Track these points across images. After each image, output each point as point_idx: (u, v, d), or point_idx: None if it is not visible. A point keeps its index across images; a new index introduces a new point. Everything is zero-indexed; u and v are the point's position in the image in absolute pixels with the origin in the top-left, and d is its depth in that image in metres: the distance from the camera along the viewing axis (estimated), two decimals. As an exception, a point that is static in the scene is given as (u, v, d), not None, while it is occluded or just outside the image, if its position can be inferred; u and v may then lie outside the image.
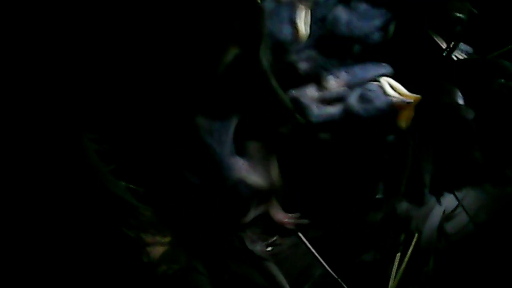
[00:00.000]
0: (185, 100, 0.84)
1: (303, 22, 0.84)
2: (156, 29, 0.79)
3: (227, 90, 0.81)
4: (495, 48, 0.94)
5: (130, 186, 0.84)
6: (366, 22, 0.87)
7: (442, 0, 0.92)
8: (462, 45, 0.95)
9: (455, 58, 0.94)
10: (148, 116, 0.85)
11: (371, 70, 0.88)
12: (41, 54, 0.78)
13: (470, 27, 0.92)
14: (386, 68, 0.88)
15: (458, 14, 0.91)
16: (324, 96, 0.87)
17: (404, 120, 0.82)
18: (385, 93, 0.82)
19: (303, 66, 0.88)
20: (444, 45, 0.93)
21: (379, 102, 0.82)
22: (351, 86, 0.86)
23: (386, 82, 0.84)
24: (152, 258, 0.82)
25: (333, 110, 0.86)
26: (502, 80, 0.91)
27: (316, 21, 0.88)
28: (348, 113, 0.84)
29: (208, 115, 0.84)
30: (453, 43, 0.93)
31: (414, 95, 0.81)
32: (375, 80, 0.86)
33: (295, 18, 0.84)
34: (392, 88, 0.83)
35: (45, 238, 0.79)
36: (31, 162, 0.78)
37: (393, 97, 0.82)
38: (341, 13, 0.88)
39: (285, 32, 0.84)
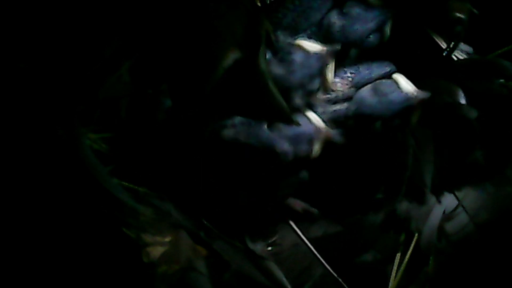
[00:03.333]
0: (185, 102, 0.84)
1: (330, 74, 0.85)
2: (156, 32, 0.80)
3: (226, 93, 0.81)
4: (495, 48, 0.94)
5: (130, 186, 0.84)
6: (360, 25, 0.87)
7: (442, 0, 0.91)
8: (462, 45, 0.95)
9: (455, 58, 0.94)
10: (149, 117, 0.86)
11: (377, 69, 0.88)
12: (39, 52, 0.78)
13: (470, 27, 0.92)
14: (391, 67, 0.88)
15: (458, 14, 0.91)
16: (330, 98, 0.87)
17: (416, 116, 0.83)
18: (400, 88, 0.83)
19: None
20: (444, 45, 0.93)
21: (395, 96, 0.82)
22: (358, 86, 0.86)
23: (400, 78, 0.84)
24: (152, 258, 0.83)
25: (339, 107, 0.86)
26: (502, 80, 0.91)
27: (310, 26, 0.89)
28: (360, 106, 0.84)
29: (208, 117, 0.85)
30: (453, 43, 0.92)
31: (425, 92, 0.82)
32: (383, 78, 0.86)
33: (324, 70, 0.84)
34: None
35: (45, 238, 0.79)
36: (28, 162, 0.78)
37: (409, 92, 0.82)
38: (335, 18, 0.88)
39: (315, 82, 0.84)
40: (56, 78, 0.79)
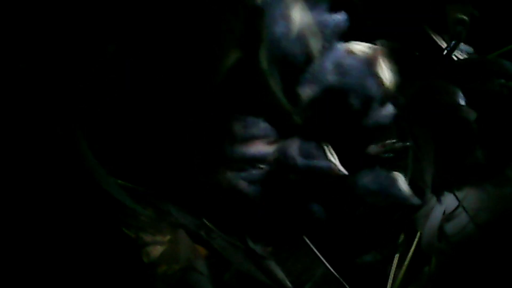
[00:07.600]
0: (188, 102, 0.84)
1: (385, 73, 0.84)
2: (158, 33, 0.80)
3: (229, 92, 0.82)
4: (495, 48, 0.94)
5: (130, 186, 0.84)
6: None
7: (442, 1, 0.92)
8: (462, 45, 0.95)
9: (455, 58, 0.94)
10: (152, 118, 0.86)
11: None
12: (39, 52, 0.79)
13: (470, 27, 0.92)
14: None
15: (459, 16, 0.91)
16: None
17: None
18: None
19: None
20: (444, 45, 0.93)
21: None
22: None
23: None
24: (152, 258, 0.83)
25: None
26: (502, 80, 0.91)
27: None
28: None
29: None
30: (453, 43, 0.93)
31: None
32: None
33: (377, 71, 0.83)
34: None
35: (45, 238, 0.79)
36: (28, 162, 0.78)
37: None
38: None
39: (371, 86, 0.84)
40: (56, 78, 0.79)
